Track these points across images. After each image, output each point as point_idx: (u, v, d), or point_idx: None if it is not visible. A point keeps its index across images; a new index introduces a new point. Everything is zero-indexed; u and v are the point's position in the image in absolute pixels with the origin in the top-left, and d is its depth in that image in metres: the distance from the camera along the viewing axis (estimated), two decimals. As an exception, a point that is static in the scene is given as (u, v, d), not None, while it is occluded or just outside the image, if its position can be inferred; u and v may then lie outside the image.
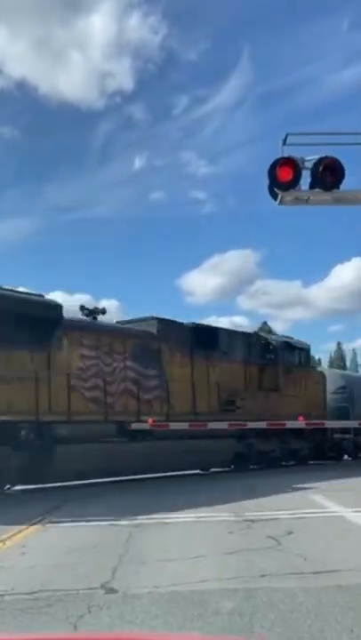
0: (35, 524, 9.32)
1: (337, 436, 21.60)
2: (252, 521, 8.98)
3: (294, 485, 13.67)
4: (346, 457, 22.83)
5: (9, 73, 62.47)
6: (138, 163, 59.48)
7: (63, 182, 59.18)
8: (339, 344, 29.30)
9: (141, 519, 9.38)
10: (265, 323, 48.57)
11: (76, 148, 60.58)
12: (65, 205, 62.34)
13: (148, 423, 14.76)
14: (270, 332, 45.87)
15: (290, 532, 7.92)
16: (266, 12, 53.21)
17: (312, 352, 25.85)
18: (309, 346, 22.54)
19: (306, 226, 65.13)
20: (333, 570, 5.94)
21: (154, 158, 61.24)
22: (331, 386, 22.50)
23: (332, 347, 71.39)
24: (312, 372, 22.53)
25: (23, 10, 50.14)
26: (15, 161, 59.86)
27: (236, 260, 66.61)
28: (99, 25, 51.84)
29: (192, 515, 9.77)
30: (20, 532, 8.63)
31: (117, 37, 53.58)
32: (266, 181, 11.56)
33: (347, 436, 21.87)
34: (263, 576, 5.76)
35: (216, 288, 68.61)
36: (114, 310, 52.34)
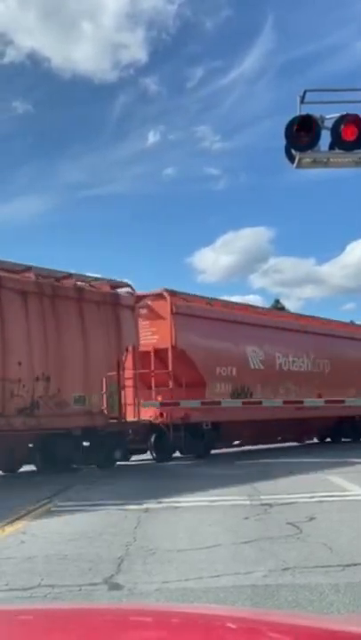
0: (38, 508, 8.79)
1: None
2: (269, 505, 8.39)
3: (309, 465, 13.10)
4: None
5: (20, 44, 60.93)
6: (152, 137, 57.78)
7: (77, 158, 57.77)
8: (351, 322, 28.53)
9: (151, 503, 8.82)
10: (277, 301, 47.70)
11: (89, 123, 58.97)
12: (79, 182, 61.07)
13: (157, 401, 14.22)
14: (283, 309, 45.17)
15: (311, 518, 7.31)
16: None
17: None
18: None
19: (321, 201, 63.49)
20: (364, 562, 5.33)
21: (169, 133, 59.67)
22: None
23: (345, 325, 70.16)
24: None
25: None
26: (29, 136, 58.25)
27: (250, 237, 65.45)
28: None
29: (204, 498, 9.20)
30: (21, 517, 8.09)
31: (130, 7, 51.99)
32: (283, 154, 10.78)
33: None
34: (285, 570, 5.16)
35: (229, 266, 67.58)
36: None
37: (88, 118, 58.02)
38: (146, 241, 67.36)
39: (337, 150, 9.89)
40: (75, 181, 60.37)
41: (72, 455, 13.23)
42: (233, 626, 1.72)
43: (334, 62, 50.36)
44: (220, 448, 17.05)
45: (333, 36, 52.30)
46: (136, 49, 57.40)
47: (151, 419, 15.03)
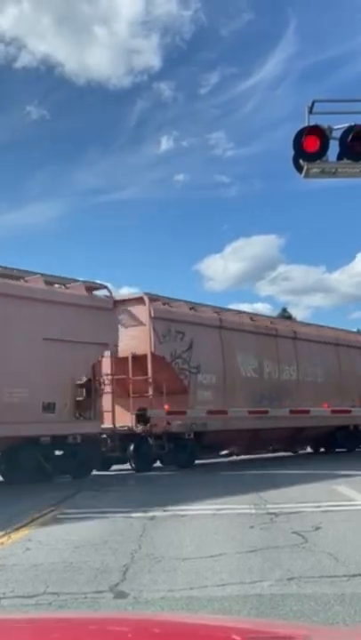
0: (44, 515, 8.80)
1: None
2: (275, 514, 8.37)
3: (315, 475, 13.05)
4: None
5: (34, 49, 61.51)
6: (165, 144, 57.70)
7: (90, 164, 57.85)
8: (359, 331, 28.29)
9: (156, 511, 8.81)
10: (285, 309, 47.64)
11: (103, 128, 58.97)
12: (91, 188, 61.16)
13: (164, 410, 14.25)
14: (290, 318, 45.11)
15: (317, 528, 7.29)
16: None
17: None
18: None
19: (332, 209, 63.19)
20: (370, 573, 5.31)
21: (182, 139, 59.55)
22: None
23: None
24: None
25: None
26: (43, 141, 58.24)
27: (260, 244, 65.46)
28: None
29: (209, 507, 9.18)
30: (27, 524, 8.11)
31: (145, 13, 52.18)
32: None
33: None
34: (291, 579, 5.15)
35: (237, 274, 67.58)
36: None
37: (101, 124, 58.24)
38: (155, 247, 67.46)
39: (345, 160, 9.91)
40: (87, 187, 60.57)
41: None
42: (237, 637, 1.73)
43: (356, 66, 49.78)
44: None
45: (357, 40, 51.74)
46: (150, 55, 57.56)
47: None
